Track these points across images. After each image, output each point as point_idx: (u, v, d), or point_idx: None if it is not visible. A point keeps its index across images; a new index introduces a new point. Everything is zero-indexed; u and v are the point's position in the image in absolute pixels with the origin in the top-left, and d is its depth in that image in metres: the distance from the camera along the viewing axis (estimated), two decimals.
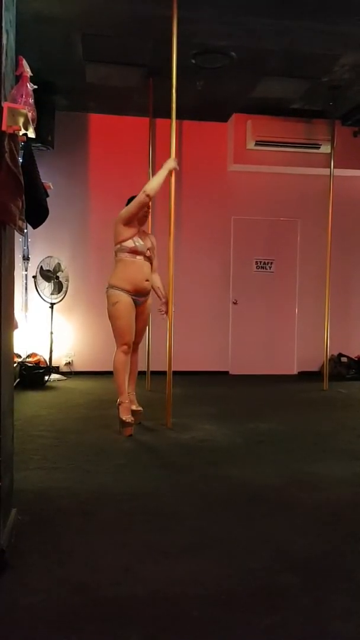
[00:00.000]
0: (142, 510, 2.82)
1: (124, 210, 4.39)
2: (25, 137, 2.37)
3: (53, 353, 6.93)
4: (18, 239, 6.33)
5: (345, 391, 6.56)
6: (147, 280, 4.42)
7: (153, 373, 6.27)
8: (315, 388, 6.70)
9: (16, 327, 6.32)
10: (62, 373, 7.09)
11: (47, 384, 6.45)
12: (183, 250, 7.22)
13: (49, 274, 6.78)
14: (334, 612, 1.95)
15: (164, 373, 4.77)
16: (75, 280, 7.10)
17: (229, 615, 1.91)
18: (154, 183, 4.38)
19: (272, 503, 2.96)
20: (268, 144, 7.02)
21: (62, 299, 6.92)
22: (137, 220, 4.40)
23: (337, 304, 7.46)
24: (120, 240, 4.37)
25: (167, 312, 4.64)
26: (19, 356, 6.59)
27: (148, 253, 4.45)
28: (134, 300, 4.38)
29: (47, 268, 6.77)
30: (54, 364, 6.97)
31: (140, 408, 4.64)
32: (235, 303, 7.69)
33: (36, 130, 2.42)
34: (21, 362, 6.45)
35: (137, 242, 4.37)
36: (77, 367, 7.27)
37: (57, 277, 6.83)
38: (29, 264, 7.01)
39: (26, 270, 7.02)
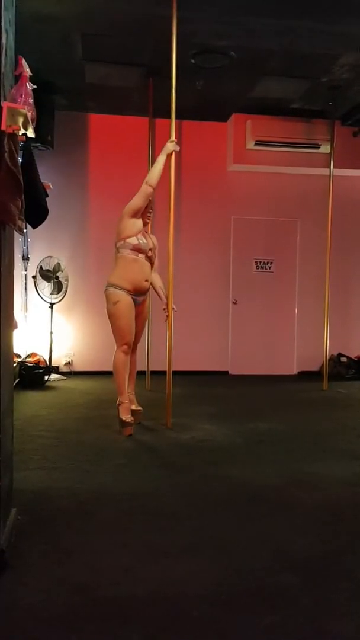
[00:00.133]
0: (142, 510, 2.82)
1: (129, 204, 4.38)
2: (24, 136, 2.37)
3: (53, 353, 6.93)
4: (18, 238, 6.34)
5: (345, 391, 6.56)
6: (146, 280, 4.42)
7: (153, 373, 6.27)
8: (315, 388, 6.69)
9: (16, 327, 6.33)
10: (62, 373, 7.09)
11: (47, 383, 6.44)
12: (183, 250, 7.22)
13: (48, 274, 6.78)
14: (334, 612, 1.95)
15: (163, 373, 4.77)
16: (74, 280, 7.09)
17: (229, 615, 1.90)
18: (155, 172, 4.38)
19: (272, 503, 2.96)
20: (268, 144, 7.02)
21: (62, 298, 6.92)
22: (141, 217, 4.40)
23: (337, 304, 7.46)
24: (124, 236, 4.36)
25: (167, 314, 4.63)
26: (19, 356, 6.59)
27: (150, 253, 4.45)
28: (133, 299, 4.38)
29: (47, 268, 6.77)
30: (53, 363, 6.97)
31: (140, 408, 4.64)
32: (235, 303, 7.68)
33: (36, 130, 2.42)
34: (21, 362, 6.44)
35: (141, 240, 4.37)
36: (77, 367, 7.27)
37: (57, 277, 6.83)
38: (29, 264, 7.00)
39: (26, 270, 7.01)
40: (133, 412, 4.45)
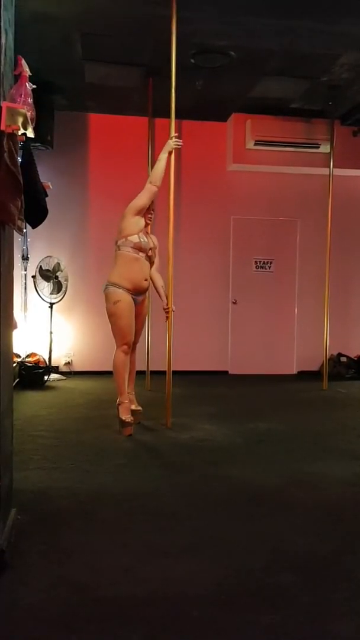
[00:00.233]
0: (142, 510, 2.82)
1: (133, 202, 4.39)
2: (24, 136, 2.37)
3: (52, 353, 6.93)
4: (17, 238, 6.33)
5: (344, 391, 6.56)
6: (146, 280, 4.42)
7: (152, 373, 6.27)
8: (315, 388, 6.69)
9: (15, 327, 6.33)
10: (62, 373, 7.08)
11: (47, 383, 6.44)
12: (182, 250, 7.22)
13: (48, 274, 6.78)
14: (334, 611, 1.95)
15: (163, 373, 4.77)
16: (74, 280, 7.09)
17: (229, 615, 1.90)
18: (158, 170, 4.39)
19: (272, 503, 2.96)
20: (267, 144, 7.01)
21: (62, 298, 6.92)
22: (144, 216, 4.41)
23: (337, 304, 7.46)
24: (126, 234, 4.36)
25: (167, 314, 4.62)
26: (19, 356, 6.59)
27: (150, 252, 4.45)
28: (133, 299, 4.37)
29: (47, 268, 6.77)
30: (53, 363, 6.97)
31: (139, 408, 4.64)
32: (234, 303, 7.68)
33: (35, 129, 2.42)
34: (20, 362, 6.44)
35: (142, 239, 4.37)
36: (77, 367, 7.27)
37: (57, 277, 6.83)
38: (28, 264, 7.00)
39: (25, 270, 7.01)
40: (133, 412, 4.45)
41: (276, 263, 7.78)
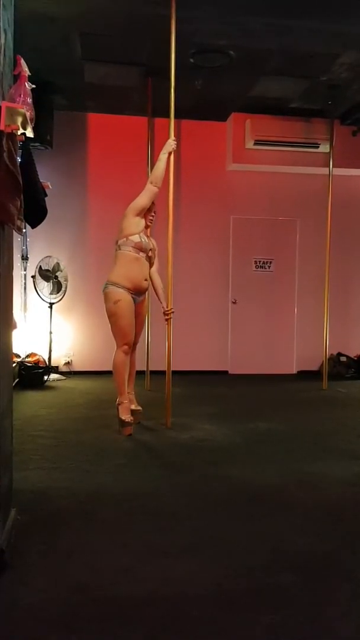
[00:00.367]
0: (142, 510, 2.82)
1: (134, 203, 4.39)
2: (23, 136, 2.36)
3: (52, 353, 6.92)
4: (17, 238, 6.32)
5: (344, 390, 6.56)
6: (145, 280, 4.41)
7: (152, 373, 6.27)
8: (315, 387, 6.69)
9: (15, 327, 6.33)
10: (61, 373, 7.08)
11: (46, 383, 6.44)
12: (182, 250, 7.22)
13: (48, 274, 6.77)
14: (334, 611, 1.94)
15: (163, 373, 4.77)
16: (74, 280, 7.09)
17: (229, 615, 1.90)
18: (158, 171, 4.40)
19: (272, 503, 2.96)
20: (267, 144, 7.02)
21: (61, 298, 6.92)
22: (145, 217, 4.41)
23: (337, 303, 7.47)
24: (126, 233, 4.36)
25: (167, 317, 4.61)
26: (18, 356, 6.59)
27: (150, 253, 4.45)
28: (133, 298, 4.37)
29: (46, 268, 6.77)
30: (53, 363, 6.97)
31: (139, 408, 4.64)
32: (234, 302, 7.68)
33: (35, 129, 2.42)
34: (20, 361, 6.44)
35: (143, 239, 4.37)
36: (76, 367, 7.27)
37: (56, 277, 6.82)
38: (28, 264, 7.00)
39: (25, 270, 7.01)
40: (133, 412, 4.45)
41: (276, 263, 7.78)
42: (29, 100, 2.35)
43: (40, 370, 6.42)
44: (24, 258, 6.99)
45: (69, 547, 2.38)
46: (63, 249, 7.14)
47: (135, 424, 4.41)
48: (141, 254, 4.36)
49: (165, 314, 4.62)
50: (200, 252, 7.54)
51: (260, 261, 7.76)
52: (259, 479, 3.31)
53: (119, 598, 1.99)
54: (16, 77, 2.38)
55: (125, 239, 4.36)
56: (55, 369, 7.06)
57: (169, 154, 4.47)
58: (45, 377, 6.47)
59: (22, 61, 2.40)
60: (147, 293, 4.61)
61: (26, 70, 2.39)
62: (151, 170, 6.18)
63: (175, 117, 4.61)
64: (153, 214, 4.52)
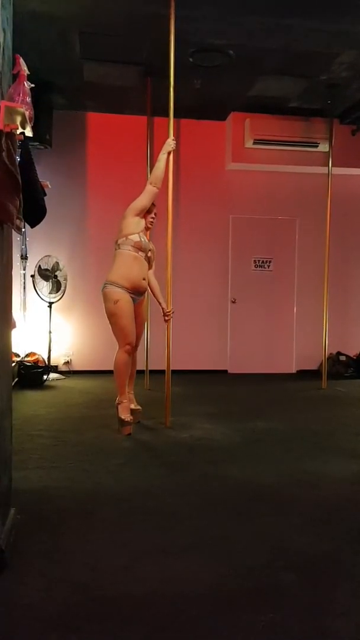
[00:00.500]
0: (141, 510, 2.82)
1: (134, 203, 4.39)
2: (22, 135, 2.36)
3: (52, 352, 6.92)
4: (16, 238, 6.32)
5: (343, 390, 6.57)
6: (144, 279, 4.41)
7: (152, 372, 6.27)
8: (314, 386, 6.70)
9: (14, 326, 6.32)
10: (61, 372, 7.08)
11: (46, 383, 6.44)
12: (181, 249, 7.22)
13: (47, 273, 6.77)
14: (334, 610, 1.95)
15: (162, 372, 4.77)
16: (73, 280, 7.09)
17: (229, 615, 1.90)
18: (158, 171, 4.40)
19: (271, 502, 2.96)
20: (266, 143, 7.02)
21: (61, 298, 6.91)
22: (144, 218, 4.42)
23: (336, 303, 7.47)
24: (126, 233, 4.36)
25: (167, 318, 4.61)
26: (18, 355, 6.58)
27: (149, 254, 4.45)
28: (132, 298, 4.36)
29: (46, 267, 6.76)
30: (52, 363, 6.97)
31: (139, 407, 4.64)
32: (233, 302, 7.68)
33: (34, 128, 2.41)
34: (20, 361, 6.44)
35: (143, 239, 4.37)
36: (76, 366, 7.27)
37: (56, 276, 6.82)
38: (27, 263, 6.99)
39: (24, 270, 7.00)
40: (132, 411, 4.45)
41: (275, 262, 7.78)
42: (28, 99, 2.35)
43: (39, 370, 6.42)
44: (23, 257, 6.98)
45: (69, 547, 2.38)
46: (62, 248, 7.13)
47: (134, 424, 4.41)
48: (140, 253, 4.35)
49: (165, 315, 4.62)
50: (200, 252, 7.54)
51: (259, 260, 7.76)
52: (259, 478, 3.31)
53: (119, 597, 1.99)
54: (15, 77, 2.38)
55: (124, 238, 4.36)
56: (55, 369, 7.05)
57: (168, 153, 4.47)
58: (45, 377, 6.47)
59: (21, 60, 2.40)
60: (146, 294, 4.60)
61: (25, 70, 2.39)
62: (150, 170, 6.19)
63: (175, 116, 4.61)
64: (154, 215, 4.51)
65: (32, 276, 6.78)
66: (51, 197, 4.20)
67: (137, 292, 4.38)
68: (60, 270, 6.84)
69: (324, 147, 7.01)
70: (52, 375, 6.75)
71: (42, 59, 5.61)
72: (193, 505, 2.89)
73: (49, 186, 4.21)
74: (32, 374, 6.33)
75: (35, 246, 7.02)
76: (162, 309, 4.65)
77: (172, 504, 2.91)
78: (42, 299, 6.82)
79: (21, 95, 2.30)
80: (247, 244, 7.69)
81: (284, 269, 7.80)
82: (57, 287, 6.84)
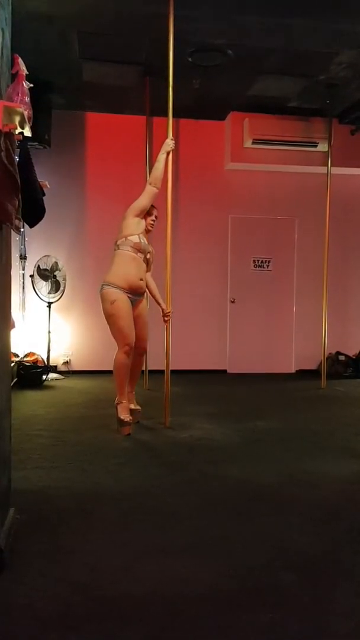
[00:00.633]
0: (141, 510, 2.81)
1: (134, 204, 4.40)
2: (21, 135, 2.36)
3: (51, 352, 6.92)
4: (15, 237, 6.32)
5: (343, 389, 6.57)
6: (141, 280, 4.40)
7: (151, 372, 6.27)
8: (313, 386, 6.70)
9: (13, 326, 6.31)
10: (60, 372, 7.08)
11: (45, 383, 6.44)
12: (180, 249, 7.21)
13: (46, 273, 6.77)
14: (334, 610, 1.94)
15: (162, 372, 4.77)
16: (72, 279, 7.08)
17: (229, 615, 1.90)
18: (157, 172, 4.40)
19: (270, 502, 2.96)
20: (265, 143, 7.02)
21: (60, 298, 6.91)
22: (145, 219, 4.42)
23: (335, 302, 7.47)
24: (126, 233, 4.35)
25: (167, 318, 4.61)
26: (17, 355, 6.58)
27: (148, 255, 4.45)
28: (129, 298, 4.35)
29: (45, 267, 6.76)
30: (51, 363, 6.96)
31: (138, 407, 4.64)
32: (233, 302, 7.68)
33: (32, 128, 2.42)
34: (19, 361, 6.44)
35: (142, 240, 4.37)
36: (75, 366, 7.27)
37: (55, 276, 6.82)
38: (26, 263, 6.99)
39: (23, 270, 7.00)
40: (131, 411, 4.44)
41: (274, 262, 7.78)
42: (27, 99, 2.35)
43: (38, 370, 6.42)
44: (22, 257, 6.98)
45: (68, 547, 2.38)
46: (61, 248, 7.13)
47: (134, 424, 4.40)
48: (139, 254, 4.35)
49: (164, 315, 4.61)
50: (199, 251, 7.54)
51: (258, 260, 7.76)
52: (258, 478, 3.30)
53: (118, 597, 1.99)
54: (14, 76, 2.38)
55: (124, 238, 4.35)
56: (54, 369, 7.05)
57: (167, 153, 4.47)
58: (44, 377, 6.46)
59: (20, 60, 2.40)
60: (145, 295, 4.59)
61: (24, 69, 2.39)
62: (149, 169, 6.19)
63: (174, 116, 4.61)
64: (154, 218, 4.51)
65: (31, 276, 6.77)
66: (50, 197, 4.20)
67: (134, 293, 4.37)
68: (59, 270, 6.84)
69: (323, 146, 7.01)
70: (51, 375, 6.75)
71: (41, 58, 5.61)
72: (193, 505, 2.89)
73: (48, 186, 4.20)
74: (31, 374, 6.33)
75: (34, 246, 7.02)
76: (162, 309, 4.65)
77: (171, 503, 2.91)
78: (41, 299, 6.81)
79: (20, 95, 2.30)
80: (247, 243, 7.69)
81: (284, 268, 7.80)
82: (56, 287, 6.84)
